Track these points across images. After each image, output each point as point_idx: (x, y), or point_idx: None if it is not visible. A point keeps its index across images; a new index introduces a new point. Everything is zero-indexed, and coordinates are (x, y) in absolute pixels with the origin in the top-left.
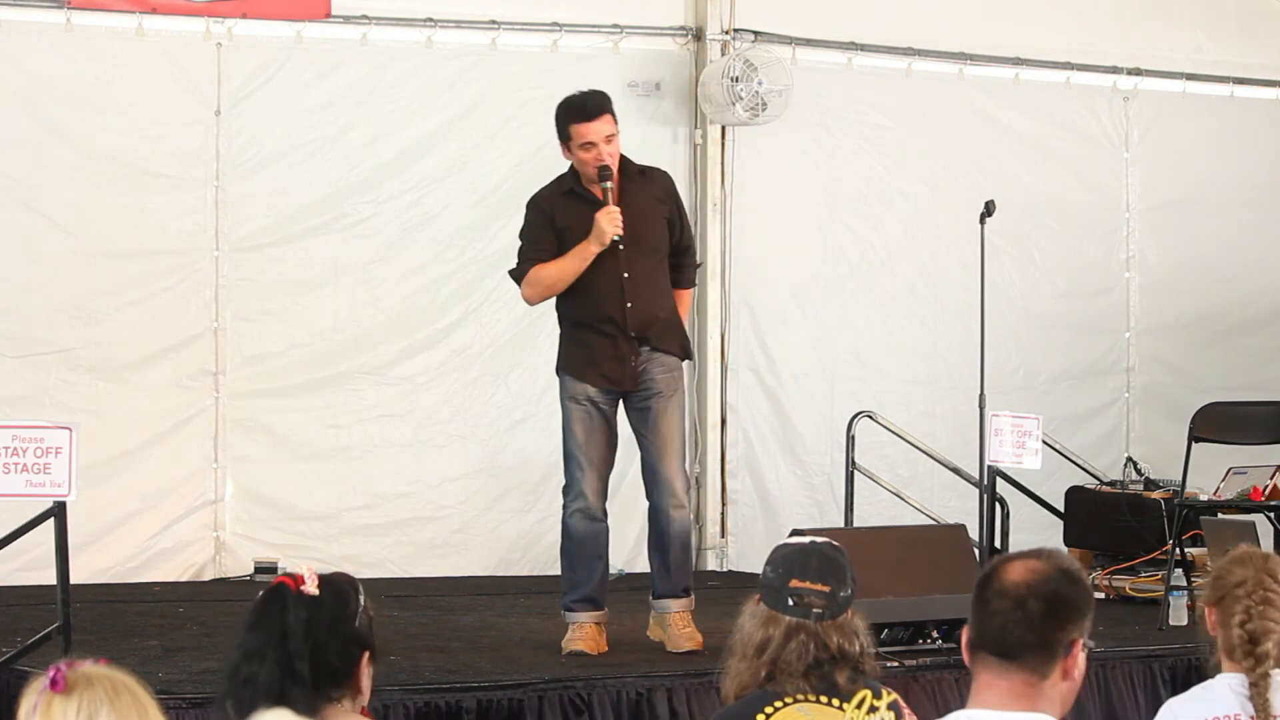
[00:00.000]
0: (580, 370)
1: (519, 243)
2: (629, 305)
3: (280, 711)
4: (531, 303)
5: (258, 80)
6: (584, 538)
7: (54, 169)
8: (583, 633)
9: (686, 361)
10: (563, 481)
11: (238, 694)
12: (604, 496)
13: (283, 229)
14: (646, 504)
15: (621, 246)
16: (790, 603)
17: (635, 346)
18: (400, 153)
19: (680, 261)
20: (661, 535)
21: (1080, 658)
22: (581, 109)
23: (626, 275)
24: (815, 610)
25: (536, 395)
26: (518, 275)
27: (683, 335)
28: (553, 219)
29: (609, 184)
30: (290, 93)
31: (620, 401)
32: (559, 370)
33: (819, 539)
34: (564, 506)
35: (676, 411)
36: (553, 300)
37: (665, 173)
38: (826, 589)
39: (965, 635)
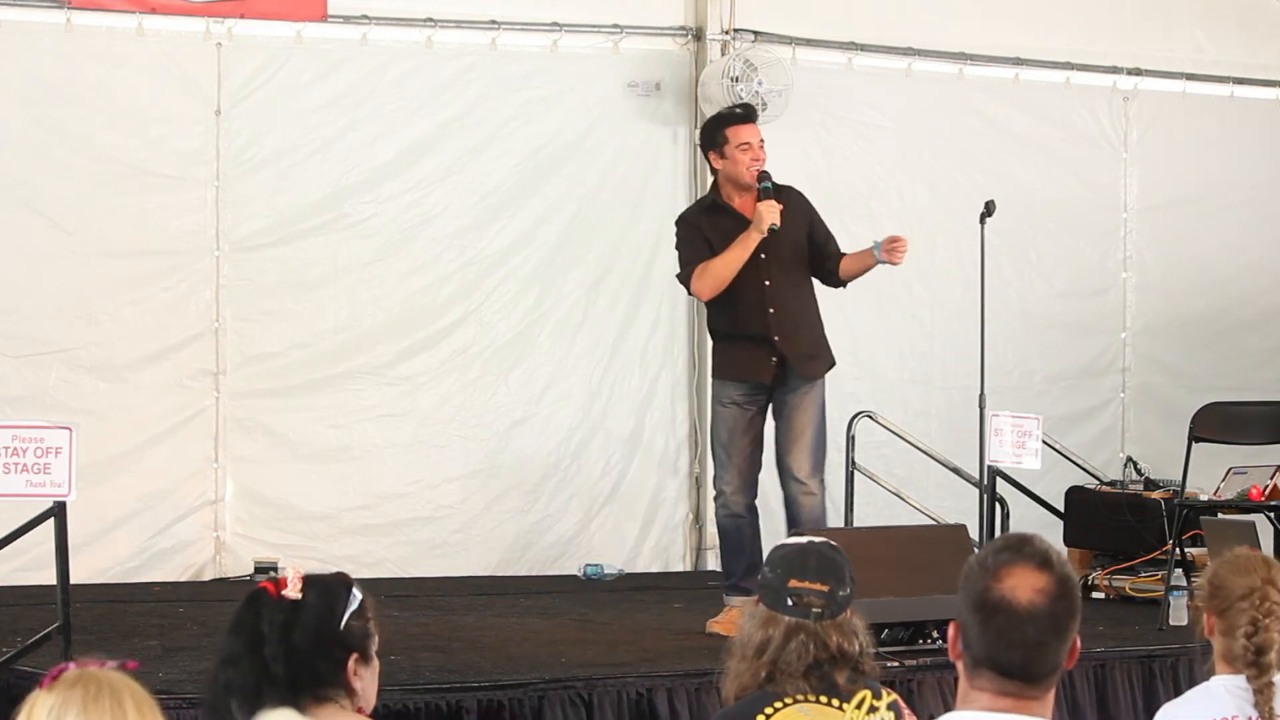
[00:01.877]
0: (726, 372)
1: (679, 255)
2: (771, 310)
3: (285, 712)
4: (706, 296)
5: (258, 80)
6: (728, 532)
7: (54, 169)
8: (727, 617)
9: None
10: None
11: (215, 698)
12: (746, 493)
13: (283, 229)
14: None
15: (763, 257)
16: (789, 603)
17: (777, 349)
18: (400, 153)
19: (833, 263)
20: (791, 521)
21: (1076, 650)
22: (740, 114)
23: (768, 283)
24: (814, 610)
25: (536, 395)
26: (686, 275)
27: (824, 343)
28: (701, 230)
29: (768, 184)
30: (290, 93)
31: (768, 403)
32: (714, 376)
33: (816, 539)
34: (716, 504)
35: (812, 407)
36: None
37: (799, 190)
38: (825, 588)
39: (955, 636)
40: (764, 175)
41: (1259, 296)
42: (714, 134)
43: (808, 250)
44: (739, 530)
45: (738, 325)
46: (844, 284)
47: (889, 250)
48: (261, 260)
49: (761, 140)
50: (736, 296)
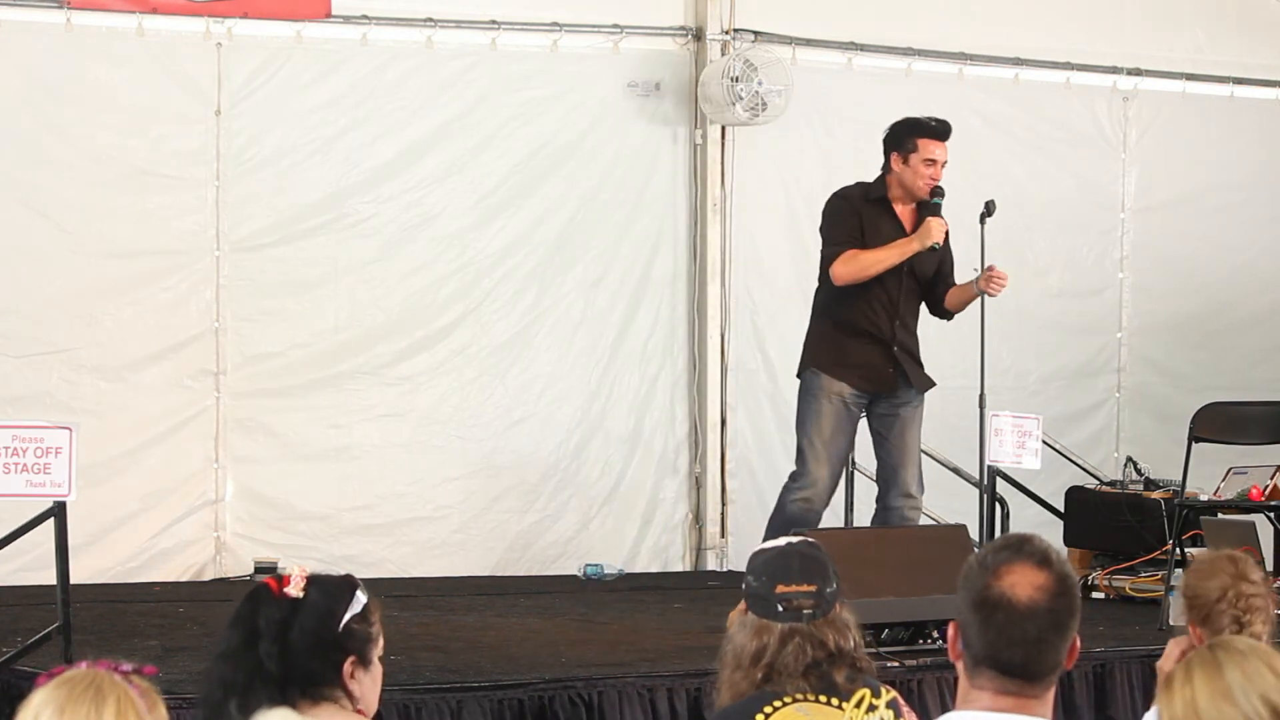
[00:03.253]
0: (842, 371)
1: (827, 228)
2: (896, 321)
3: (283, 711)
4: (841, 281)
5: (258, 80)
6: (797, 522)
7: (54, 169)
8: None
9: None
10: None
11: (213, 694)
12: (830, 494)
13: (283, 229)
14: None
15: (907, 268)
16: (780, 608)
17: (894, 357)
18: (400, 153)
19: (943, 291)
20: None
21: (1076, 649)
22: (936, 129)
23: (900, 292)
24: (806, 611)
25: (535, 395)
26: (832, 255)
27: (923, 366)
28: (859, 214)
29: (939, 200)
30: (290, 92)
31: (868, 410)
32: (812, 368)
33: (794, 539)
34: (788, 489)
35: (920, 423)
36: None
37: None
38: (813, 588)
39: (954, 635)
40: (939, 190)
41: (1255, 296)
42: (905, 138)
43: (932, 278)
44: (810, 525)
45: (862, 322)
46: (948, 315)
47: (987, 280)
48: (261, 260)
49: (946, 161)
50: (869, 293)
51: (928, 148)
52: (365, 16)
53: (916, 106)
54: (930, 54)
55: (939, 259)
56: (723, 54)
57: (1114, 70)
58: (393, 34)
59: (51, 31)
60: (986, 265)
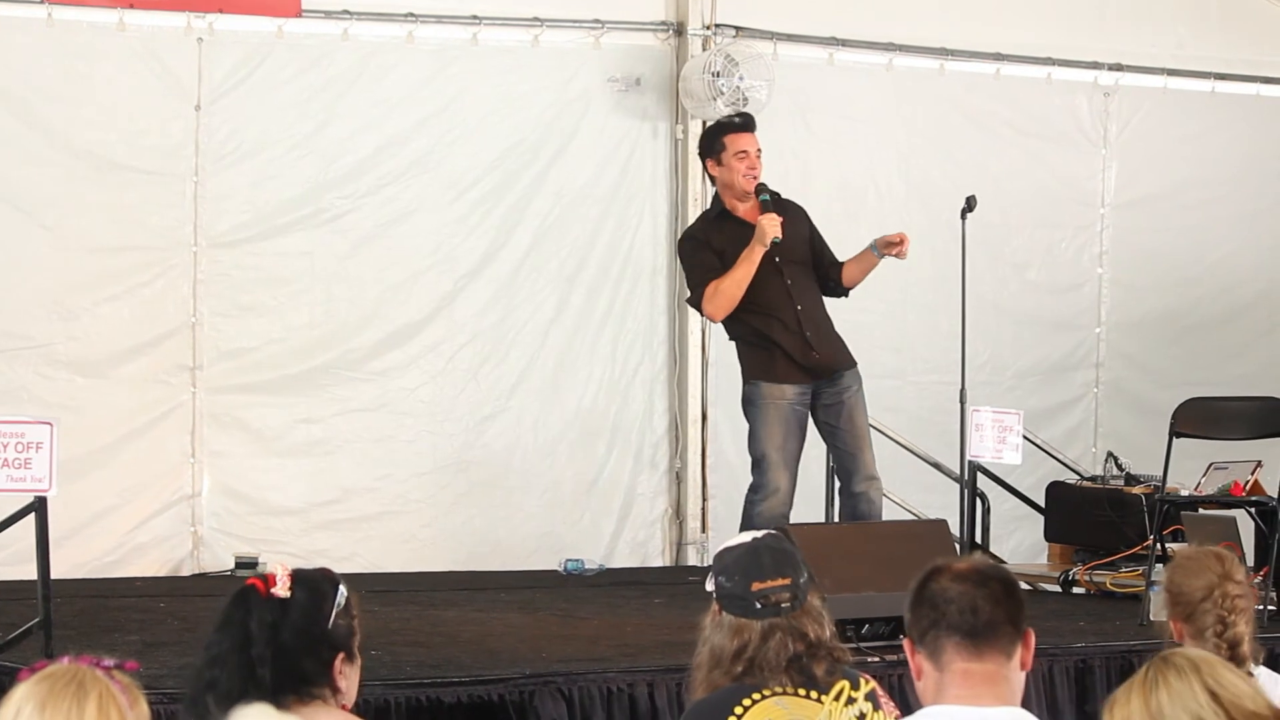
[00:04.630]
0: (775, 374)
1: (686, 275)
2: (799, 307)
3: (262, 707)
4: (717, 318)
5: (238, 75)
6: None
7: (33, 164)
8: None
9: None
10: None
11: (200, 697)
12: (792, 495)
13: (261, 224)
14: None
15: (778, 260)
16: (758, 606)
17: (813, 343)
18: (379, 148)
19: (835, 271)
20: (861, 517)
21: (1030, 642)
22: (738, 123)
23: (790, 282)
24: (784, 605)
25: (507, 391)
26: (696, 299)
27: (842, 340)
28: (710, 243)
29: (767, 196)
30: (270, 88)
31: (812, 403)
32: (750, 380)
33: (759, 534)
34: (751, 502)
35: (865, 405)
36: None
37: (797, 204)
38: (788, 581)
39: (915, 630)
40: (762, 187)
41: (1233, 292)
42: (712, 141)
43: (810, 259)
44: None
45: (769, 325)
46: (847, 292)
47: (886, 244)
48: (239, 255)
49: (759, 150)
50: (761, 299)
51: (735, 142)
52: (346, 12)
53: (897, 102)
54: (911, 49)
55: (805, 246)
56: (704, 49)
57: (1095, 66)
58: (373, 29)
59: (32, 27)
60: (880, 239)
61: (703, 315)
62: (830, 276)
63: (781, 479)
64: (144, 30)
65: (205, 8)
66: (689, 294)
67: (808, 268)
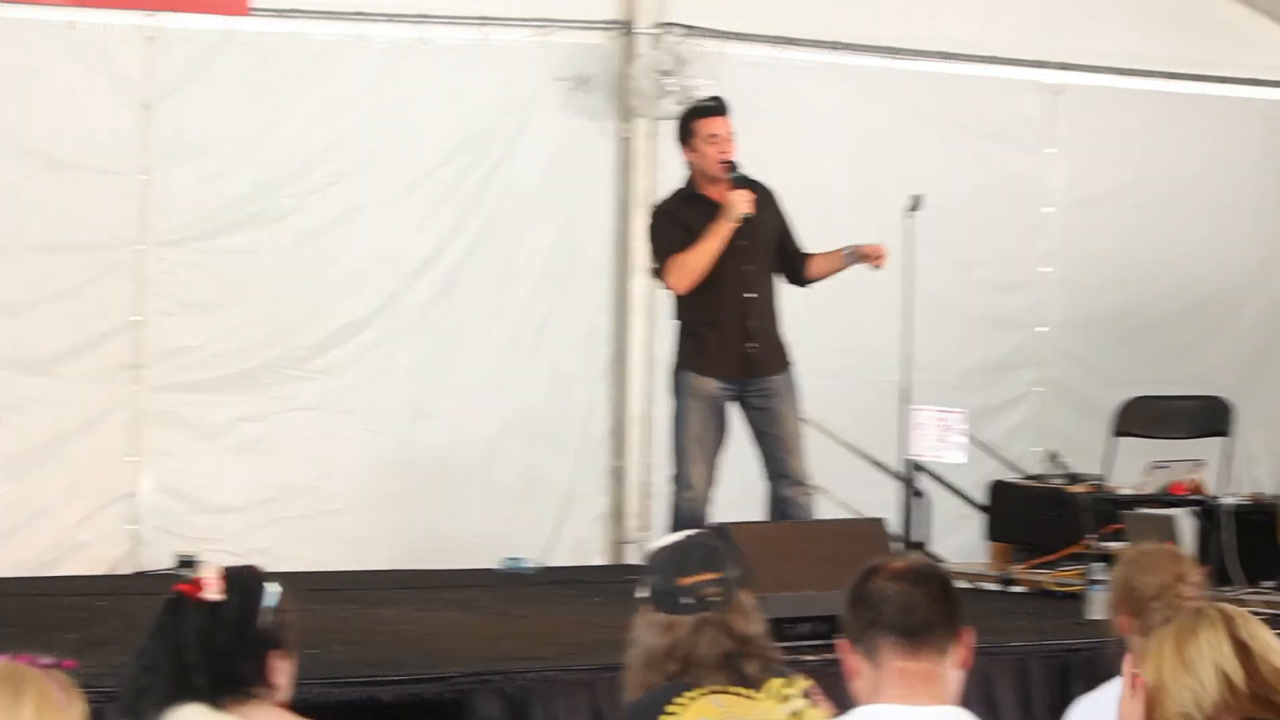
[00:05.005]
0: (703, 365)
1: (651, 248)
2: (750, 296)
3: (197, 707)
4: (679, 290)
5: (187, 74)
6: (690, 522)
7: None
8: None
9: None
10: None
11: (134, 704)
12: (711, 486)
13: (207, 222)
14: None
15: (744, 244)
16: (686, 601)
17: (753, 335)
18: (326, 146)
19: (802, 256)
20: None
21: (970, 647)
22: (710, 106)
23: (746, 269)
24: (713, 599)
25: (450, 389)
26: (660, 269)
27: (784, 341)
28: (680, 218)
29: (737, 173)
30: (219, 86)
31: (738, 399)
32: (679, 367)
33: (691, 531)
34: (673, 492)
35: (797, 407)
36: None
37: (771, 187)
38: (716, 576)
39: (851, 630)
40: (732, 165)
41: (1180, 292)
42: (685, 126)
43: (776, 246)
44: (699, 523)
45: (714, 311)
46: (807, 283)
47: (862, 255)
48: (184, 254)
49: (731, 133)
50: (715, 283)
51: (706, 126)
52: (295, 10)
53: (845, 100)
54: (860, 48)
55: (771, 231)
56: (652, 48)
57: (1043, 65)
58: (322, 27)
59: None
60: (856, 247)
61: (665, 287)
62: (794, 265)
63: (696, 470)
64: (93, 29)
65: (154, 6)
66: (652, 266)
67: (770, 257)
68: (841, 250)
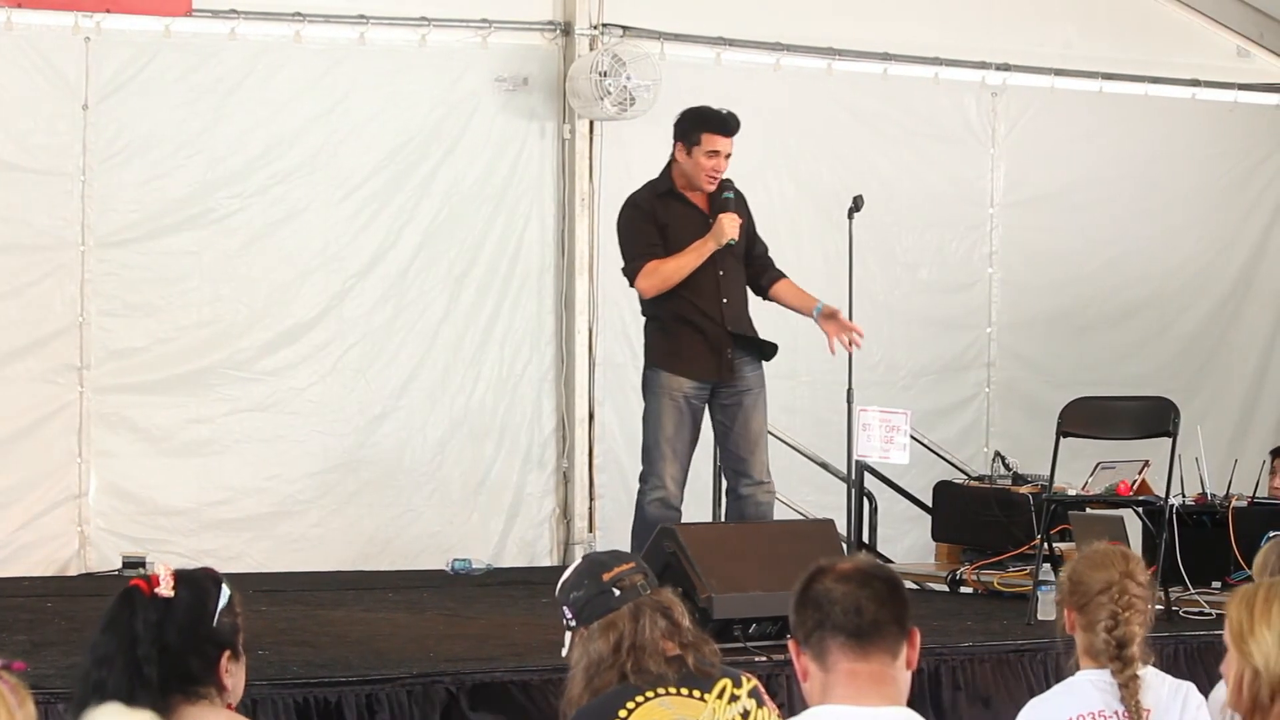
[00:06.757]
0: (677, 365)
1: (624, 243)
2: (724, 300)
3: (112, 706)
4: (648, 295)
5: (126, 74)
6: (659, 523)
7: None
8: None
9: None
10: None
11: (87, 698)
12: (683, 487)
13: (149, 223)
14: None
15: (733, 245)
16: (616, 593)
17: (730, 339)
18: (267, 147)
19: (767, 261)
20: (752, 521)
21: (916, 641)
22: (723, 123)
23: (722, 274)
24: (639, 583)
25: (396, 391)
26: (632, 271)
27: (758, 336)
28: (654, 216)
29: (730, 194)
30: (158, 87)
31: (710, 396)
32: (653, 365)
33: (590, 553)
34: (642, 493)
35: (765, 409)
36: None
37: (739, 189)
38: (634, 565)
39: (800, 631)
40: (727, 184)
41: (1122, 291)
42: (691, 130)
43: (746, 247)
44: (671, 524)
45: (690, 313)
46: (766, 299)
47: (834, 326)
48: (126, 254)
49: (729, 154)
50: (690, 285)
51: (712, 141)
52: (233, 11)
53: (785, 102)
54: (799, 49)
55: (745, 239)
56: (591, 49)
57: (983, 65)
58: (261, 28)
59: None
60: (835, 313)
61: (632, 286)
62: (757, 271)
63: (669, 470)
64: (31, 29)
65: (93, 7)
66: (624, 263)
67: (741, 261)
68: (816, 302)
